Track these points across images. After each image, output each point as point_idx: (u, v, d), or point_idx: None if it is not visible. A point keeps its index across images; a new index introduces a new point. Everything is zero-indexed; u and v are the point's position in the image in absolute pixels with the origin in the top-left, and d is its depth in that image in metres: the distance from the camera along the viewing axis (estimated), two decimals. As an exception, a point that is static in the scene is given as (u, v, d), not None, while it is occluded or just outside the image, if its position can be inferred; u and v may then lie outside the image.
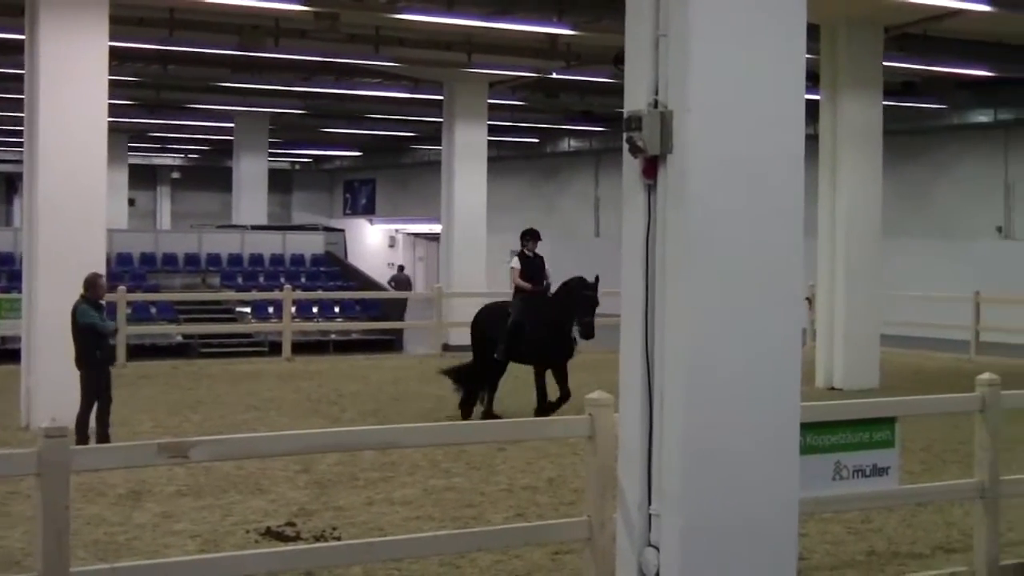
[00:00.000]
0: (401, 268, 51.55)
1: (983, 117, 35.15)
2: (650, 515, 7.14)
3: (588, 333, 17.33)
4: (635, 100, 7.19)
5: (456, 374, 18.29)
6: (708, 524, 6.96)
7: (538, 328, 17.53)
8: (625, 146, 7.17)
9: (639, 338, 7.18)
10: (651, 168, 7.11)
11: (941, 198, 38.41)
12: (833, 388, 22.31)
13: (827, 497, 8.76)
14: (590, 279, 17.57)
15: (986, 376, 9.82)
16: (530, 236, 18.70)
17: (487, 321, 18.55)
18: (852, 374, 22.50)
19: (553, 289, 18.21)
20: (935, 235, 37.82)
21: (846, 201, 22.99)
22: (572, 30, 23.84)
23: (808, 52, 22.90)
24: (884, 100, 24.09)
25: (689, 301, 6.93)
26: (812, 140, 22.83)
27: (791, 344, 7.24)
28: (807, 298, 25.51)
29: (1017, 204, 37.01)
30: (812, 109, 23.06)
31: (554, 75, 30.60)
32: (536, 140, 49.99)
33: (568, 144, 48.98)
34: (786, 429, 7.22)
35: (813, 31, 22.58)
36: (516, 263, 18.47)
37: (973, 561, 9.67)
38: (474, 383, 18.05)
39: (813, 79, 23.45)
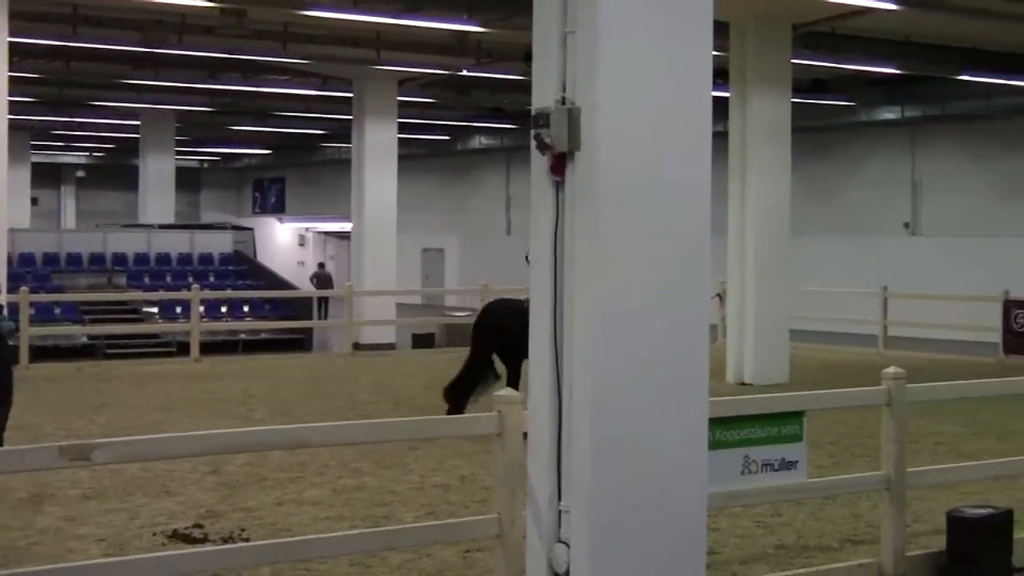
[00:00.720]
0: (322, 265, 51.38)
1: (891, 114, 35.61)
2: (560, 511, 7.12)
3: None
4: (543, 97, 7.17)
5: (461, 387, 16.49)
6: (618, 520, 6.95)
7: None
8: (533, 143, 7.14)
9: (548, 335, 7.16)
10: (559, 165, 7.09)
11: (850, 195, 38.89)
12: (743, 383, 22.45)
13: (736, 491, 8.79)
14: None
15: (892, 370, 9.91)
16: None
17: (504, 317, 16.37)
18: (762, 369, 22.65)
19: None
20: (844, 231, 38.28)
21: (755, 198, 23.12)
22: (482, 27, 23.82)
23: (717, 49, 23.00)
24: (793, 97, 24.28)
25: (597, 297, 6.92)
26: (721, 137, 22.99)
27: (699, 340, 7.25)
28: (717, 294, 25.72)
29: (924, 200, 37.54)
30: (722, 106, 23.25)
31: (464, 72, 30.58)
32: (447, 138, 49.99)
33: (479, 142, 49.04)
34: (695, 424, 7.22)
35: (722, 28, 22.72)
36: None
37: (880, 552, 9.75)
38: (470, 387, 16.45)
39: (722, 76, 23.62)
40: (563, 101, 7.04)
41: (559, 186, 7.13)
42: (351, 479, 13.20)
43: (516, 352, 15.55)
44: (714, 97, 7.39)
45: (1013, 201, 35.28)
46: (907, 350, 26.80)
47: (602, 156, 6.89)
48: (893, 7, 20.56)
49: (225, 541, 10.40)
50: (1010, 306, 27.37)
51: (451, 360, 26.38)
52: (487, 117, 43.09)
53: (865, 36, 26.54)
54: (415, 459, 14.21)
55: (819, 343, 28.67)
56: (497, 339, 16.36)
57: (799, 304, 27.63)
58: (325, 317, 38.28)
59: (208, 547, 10.00)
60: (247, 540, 10.36)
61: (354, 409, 18.41)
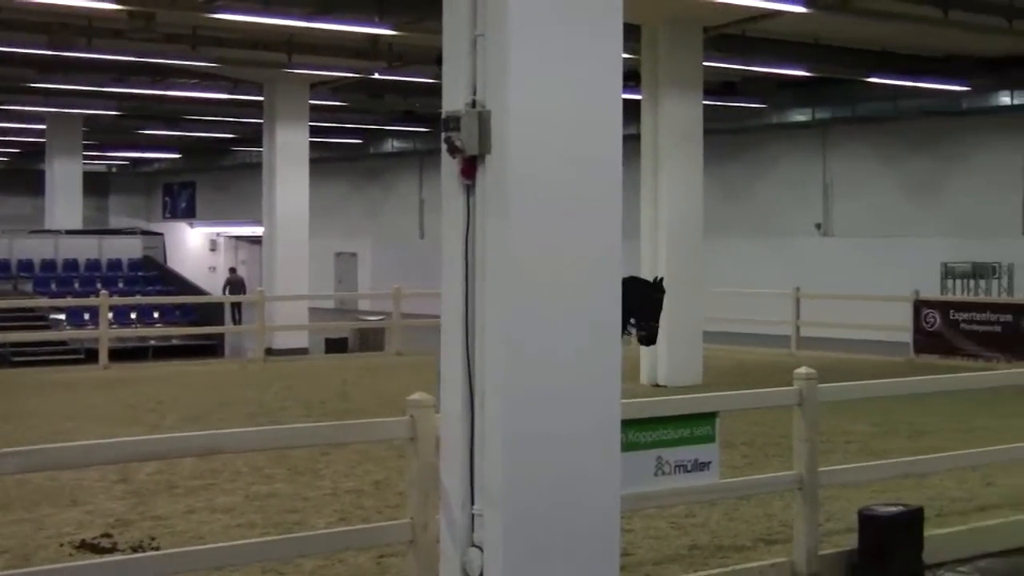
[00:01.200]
0: (233, 270, 50.97)
1: (802, 116, 35.92)
2: (473, 515, 7.09)
3: (652, 339, 16.33)
4: (453, 100, 7.14)
5: None
6: (531, 523, 6.93)
7: None
8: (443, 147, 7.11)
9: (460, 339, 7.12)
10: (469, 168, 7.06)
11: (762, 196, 39.20)
12: (657, 385, 22.51)
13: (649, 493, 8.81)
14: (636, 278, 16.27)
15: (803, 370, 9.97)
16: None
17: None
18: (676, 371, 22.73)
19: None
20: (756, 233, 38.58)
21: (668, 200, 23.21)
22: (393, 30, 23.74)
23: (629, 52, 23.05)
24: (705, 100, 24.41)
25: (508, 300, 6.89)
26: (634, 140, 23.15)
27: (611, 342, 7.24)
28: (630, 296, 25.76)
29: (835, 201, 37.94)
30: (634, 109, 23.39)
31: (376, 76, 30.48)
32: (359, 141, 49.82)
33: (392, 145, 48.92)
34: (607, 426, 7.22)
35: (633, 31, 22.80)
36: None
37: (793, 551, 9.81)
38: None
39: (634, 79, 23.72)
40: (473, 104, 7.02)
41: (470, 189, 7.10)
42: (263, 486, 13.08)
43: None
44: (626, 100, 7.39)
45: (921, 201, 35.73)
46: (820, 350, 27.04)
47: (513, 159, 6.86)
48: (802, 10, 20.72)
49: (135, 550, 10.26)
50: (920, 306, 27.73)
51: (365, 365, 26.37)
52: (400, 120, 42.99)
53: (775, 39, 26.77)
54: (327, 465, 14.10)
55: (733, 344, 28.82)
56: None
57: (713, 305, 27.77)
58: (238, 322, 37.98)
59: (117, 557, 9.86)
60: (157, 549, 10.21)
61: (266, 415, 18.26)
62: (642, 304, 15.83)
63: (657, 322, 16.25)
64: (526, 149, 6.91)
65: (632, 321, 15.79)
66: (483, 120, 6.95)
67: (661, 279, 15.91)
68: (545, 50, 6.96)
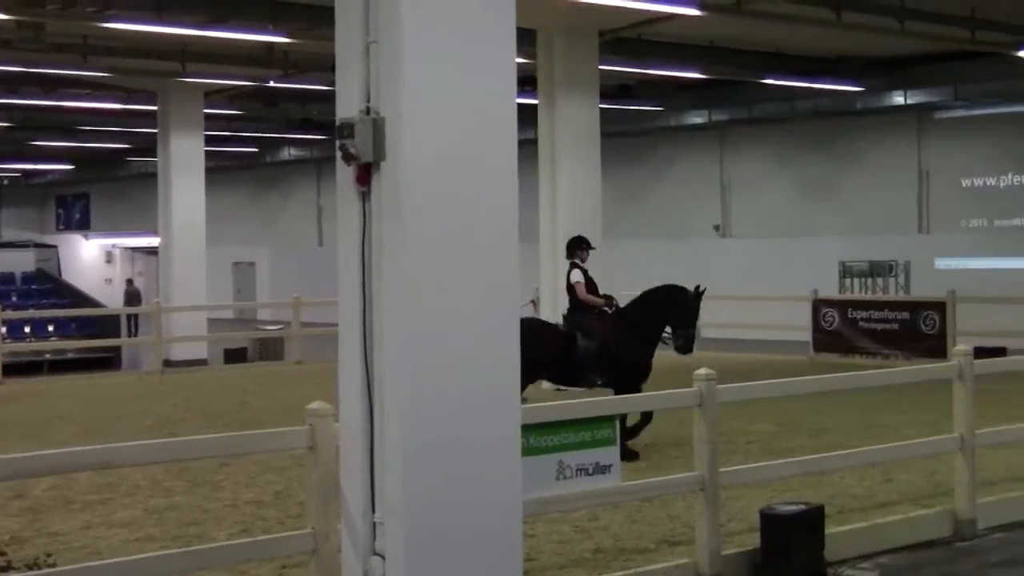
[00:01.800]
0: (130, 281, 50.43)
1: (699, 118, 36.10)
2: (374, 523, 7.05)
3: (689, 347, 16.05)
4: (347, 107, 7.11)
5: None
6: (432, 530, 6.90)
7: (624, 346, 15.60)
8: (338, 154, 7.06)
9: (358, 346, 7.08)
10: (365, 175, 7.03)
11: (661, 198, 39.41)
12: (559, 388, 22.46)
13: (551, 497, 8.81)
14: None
15: (703, 371, 10.01)
16: (584, 245, 16.54)
17: (539, 339, 14.64)
18: (578, 374, 22.70)
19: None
20: (655, 234, 38.77)
21: (566, 203, 23.27)
22: (288, 38, 23.56)
23: (525, 57, 23.01)
24: (601, 103, 24.52)
25: (406, 307, 6.86)
26: (531, 144, 23.20)
27: (510, 347, 7.23)
28: (532, 300, 25.80)
29: (733, 202, 38.25)
30: (531, 114, 23.44)
31: (272, 84, 30.25)
32: (256, 149, 49.41)
33: (288, 153, 48.59)
34: (508, 431, 7.20)
35: (529, 36, 22.85)
36: (579, 276, 16.18)
37: (696, 552, 9.84)
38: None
39: (531, 83, 23.75)
40: (368, 111, 6.99)
41: (365, 196, 7.07)
42: (162, 499, 12.92)
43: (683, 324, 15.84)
44: (523, 104, 7.39)
45: (818, 201, 36.10)
46: (721, 351, 27.19)
47: (408, 165, 6.84)
48: (696, 13, 20.82)
49: (30, 568, 10.07)
50: (819, 305, 28.05)
51: (265, 374, 26.16)
52: (296, 128, 42.73)
53: (671, 42, 26.93)
54: (227, 476, 13.97)
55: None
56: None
57: (613, 309, 27.84)
58: (135, 335, 37.56)
59: (12, 575, 9.68)
60: (53, 566, 10.03)
61: (164, 427, 18.04)
62: (681, 312, 15.89)
63: (694, 329, 16.36)
64: (421, 155, 6.89)
65: (668, 330, 15.88)
66: (377, 127, 6.93)
67: (703, 289, 15.96)
68: (438, 56, 6.94)
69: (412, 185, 6.86)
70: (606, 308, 16.03)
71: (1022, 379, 16.53)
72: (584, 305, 16.02)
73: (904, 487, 12.83)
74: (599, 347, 15.50)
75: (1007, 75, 29.13)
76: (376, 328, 7.01)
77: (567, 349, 15.53)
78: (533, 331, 13.70)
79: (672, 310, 15.91)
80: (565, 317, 16.46)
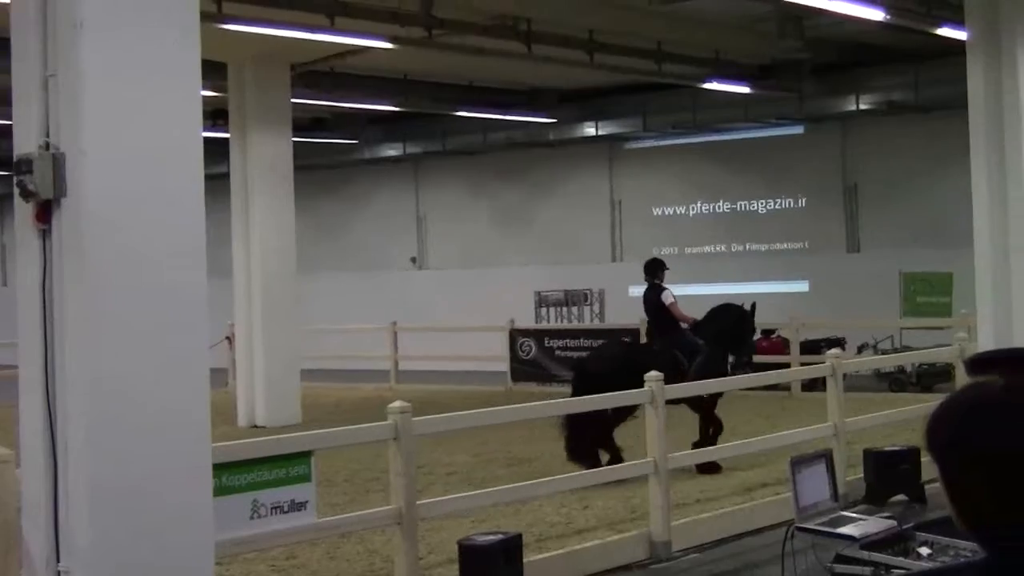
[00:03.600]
0: None
1: (393, 151, 36.25)
2: (59, 572, 6.82)
3: (751, 360, 17.03)
4: (25, 143, 6.89)
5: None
6: (120, 575, 6.72)
7: (712, 362, 16.02)
8: (16, 191, 6.84)
9: (39, 389, 6.85)
10: (44, 213, 6.82)
11: (357, 231, 39.36)
12: (256, 426, 22.25)
13: (246, 537, 8.70)
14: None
15: (397, 404, 10.05)
16: (664, 266, 17.64)
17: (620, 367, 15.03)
18: (274, 411, 22.55)
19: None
20: (353, 267, 38.71)
21: (260, 238, 23.05)
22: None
23: (216, 90, 22.69)
24: (295, 136, 24.41)
25: (89, 346, 6.68)
26: (225, 178, 22.93)
27: (198, 385, 7.10)
28: (227, 337, 25.49)
29: (429, 234, 38.49)
30: (223, 147, 23.17)
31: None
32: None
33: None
34: (197, 471, 7.07)
35: (220, 69, 22.59)
36: (671, 296, 16.91)
37: (395, 587, 9.85)
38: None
39: (223, 117, 23.48)
40: (47, 146, 6.78)
41: (46, 234, 6.85)
42: None
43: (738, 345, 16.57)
44: (215, 138, 7.31)
45: (513, 231, 36.60)
46: (420, 383, 27.28)
47: (89, 202, 6.67)
48: (388, 46, 20.92)
49: None
50: (516, 335, 28.43)
51: None
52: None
53: (364, 74, 27.00)
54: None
55: (334, 381, 28.76)
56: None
57: (312, 343, 27.72)
58: None
59: None
60: None
61: None
62: (744, 328, 16.78)
63: (753, 350, 17.41)
64: (104, 191, 6.73)
65: (732, 356, 16.60)
66: (58, 163, 6.73)
67: (754, 305, 16.87)
68: (121, 90, 6.80)
69: (94, 221, 6.69)
70: (686, 326, 16.80)
71: (730, 400, 17.02)
72: (675, 323, 16.79)
73: (601, 512, 13.10)
74: (699, 364, 16.06)
75: (694, 107, 30.18)
76: (59, 369, 6.80)
77: (673, 368, 15.44)
78: (647, 355, 15.70)
79: (733, 330, 16.61)
80: (651, 336, 17.70)
